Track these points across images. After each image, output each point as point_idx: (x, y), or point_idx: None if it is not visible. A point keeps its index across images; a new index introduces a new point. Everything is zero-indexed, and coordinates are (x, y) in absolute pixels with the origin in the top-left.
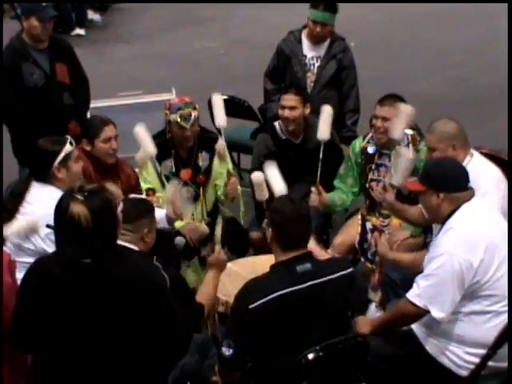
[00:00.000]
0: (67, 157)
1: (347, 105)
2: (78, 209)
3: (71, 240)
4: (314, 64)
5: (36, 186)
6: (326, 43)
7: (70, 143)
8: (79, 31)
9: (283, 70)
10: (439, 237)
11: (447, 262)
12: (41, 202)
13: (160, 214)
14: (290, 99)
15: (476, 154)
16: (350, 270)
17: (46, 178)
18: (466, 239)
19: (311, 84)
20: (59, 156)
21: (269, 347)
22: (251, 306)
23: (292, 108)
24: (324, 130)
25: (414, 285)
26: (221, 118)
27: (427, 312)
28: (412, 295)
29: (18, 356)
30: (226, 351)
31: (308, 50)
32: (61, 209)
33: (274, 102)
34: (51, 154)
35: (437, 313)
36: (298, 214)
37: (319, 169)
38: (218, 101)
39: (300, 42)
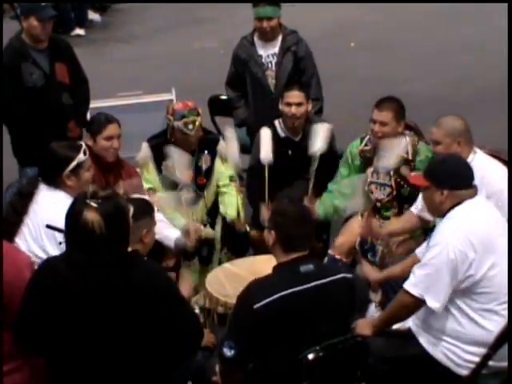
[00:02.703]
0: (79, 165)
1: (309, 94)
2: (92, 216)
3: (83, 246)
4: (271, 61)
5: (44, 189)
6: (279, 39)
7: (84, 152)
8: (79, 31)
9: (242, 75)
10: (438, 226)
11: (443, 251)
12: (46, 207)
13: (170, 233)
14: (295, 96)
15: (479, 151)
16: (351, 275)
17: (56, 183)
18: (463, 231)
19: (273, 81)
20: (71, 164)
21: (271, 347)
22: (256, 306)
23: (299, 104)
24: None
25: (411, 275)
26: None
27: (423, 301)
28: (408, 284)
29: (35, 361)
30: (228, 352)
31: (262, 50)
32: (74, 215)
33: (239, 108)
34: (64, 160)
35: (432, 302)
36: (300, 214)
37: (311, 182)
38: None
39: (253, 44)
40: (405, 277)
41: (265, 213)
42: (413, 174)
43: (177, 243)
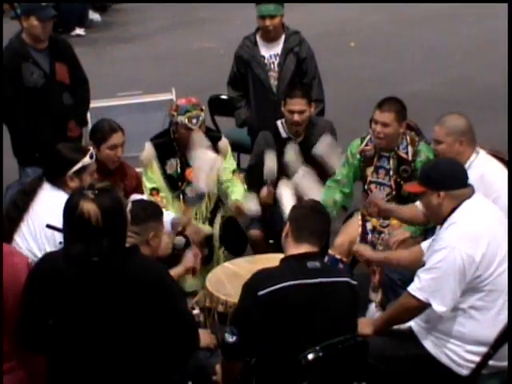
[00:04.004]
0: (84, 168)
1: (311, 97)
2: (88, 206)
3: (80, 237)
4: (273, 62)
5: (47, 187)
6: (282, 39)
7: (91, 156)
8: (79, 31)
9: (244, 76)
10: (442, 231)
11: (449, 255)
12: (45, 207)
13: (165, 217)
14: (298, 103)
15: (482, 151)
16: (355, 282)
17: (58, 182)
18: (468, 233)
19: (275, 82)
20: (76, 165)
21: (271, 341)
22: (260, 293)
23: (301, 112)
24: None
25: (416, 278)
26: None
27: (428, 305)
28: (413, 289)
29: (34, 360)
30: (229, 337)
31: (265, 50)
32: (71, 206)
33: (241, 108)
34: (69, 161)
35: (438, 306)
36: (317, 210)
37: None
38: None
39: (256, 44)
40: (400, 266)
41: (264, 191)
42: (408, 183)
43: (173, 222)
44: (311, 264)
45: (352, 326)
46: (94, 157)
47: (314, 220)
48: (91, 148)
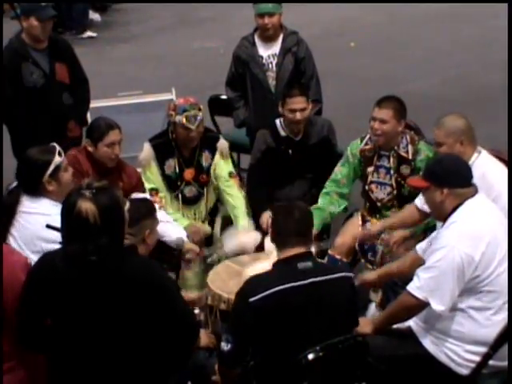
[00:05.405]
0: (57, 168)
1: (309, 96)
2: (86, 205)
3: (78, 236)
4: (271, 62)
5: (27, 200)
6: (279, 39)
7: (59, 153)
8: (90, 33)
9: (243, 76)
10: (442, 230)
11: (449, 254)
12: (31, 218)
13: (176, 232)
14: (298, 101)
15: (484, 151)
16: (351, 274)
17: (38, 190)
18: (468, 233)
19: (273, 82)
20: (49, 168)
21: (268, 344)
22: (251, 300)
23: (302, 110)
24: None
25: (415, 277)
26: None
27: (427, 304)
28: (412, 287)
29: (34, 360)
30: (225, 346)
31: (263, 50)
32: (68, 205)
33: (239, 109)
34: (41, 166)
35: (436, 305)
36: (296, 209)
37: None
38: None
39: (254, 44)
40: (402, 275)
41: (264, 217)
42: (411, 177)
43: (176, 244)
44: (302, 265)
45: (352, 321)
46: (62, 152)
47: (294, 220)
48: (56, 145)
